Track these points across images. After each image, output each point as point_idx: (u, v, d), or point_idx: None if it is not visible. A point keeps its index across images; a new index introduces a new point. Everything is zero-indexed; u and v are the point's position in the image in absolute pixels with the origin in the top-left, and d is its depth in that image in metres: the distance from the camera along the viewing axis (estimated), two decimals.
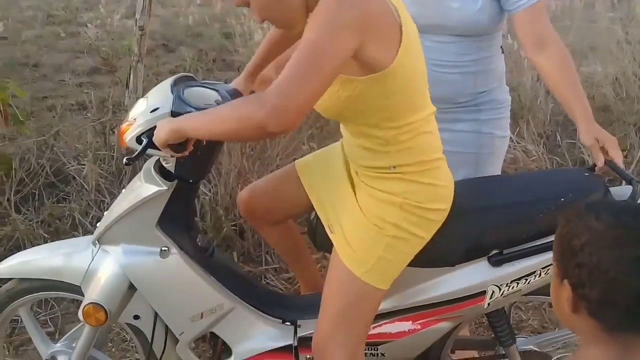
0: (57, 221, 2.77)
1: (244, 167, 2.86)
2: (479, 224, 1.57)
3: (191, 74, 1.74)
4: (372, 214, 1.50)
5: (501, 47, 1.99)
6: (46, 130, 3.32)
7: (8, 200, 2.79)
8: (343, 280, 1.51)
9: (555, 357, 1.00)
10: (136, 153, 1.51)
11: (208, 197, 2.77)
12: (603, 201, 1.32)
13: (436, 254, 1.57)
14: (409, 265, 1.55)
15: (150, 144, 1.49)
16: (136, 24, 2.93)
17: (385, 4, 1.32)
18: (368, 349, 1.66)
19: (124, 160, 1.50)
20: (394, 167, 1.47)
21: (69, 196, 2.93)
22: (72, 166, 2.99)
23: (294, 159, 3.07)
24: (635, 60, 4.17)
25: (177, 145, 1.46)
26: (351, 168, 1.61)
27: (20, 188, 2.91)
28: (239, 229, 2.74)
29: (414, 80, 1.43)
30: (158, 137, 1.44)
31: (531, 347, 1.77)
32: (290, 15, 1.36)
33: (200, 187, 2.76)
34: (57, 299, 2.47)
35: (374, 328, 1.64)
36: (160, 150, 1.48)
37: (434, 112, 1.53)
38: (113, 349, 2.30)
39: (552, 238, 1.49)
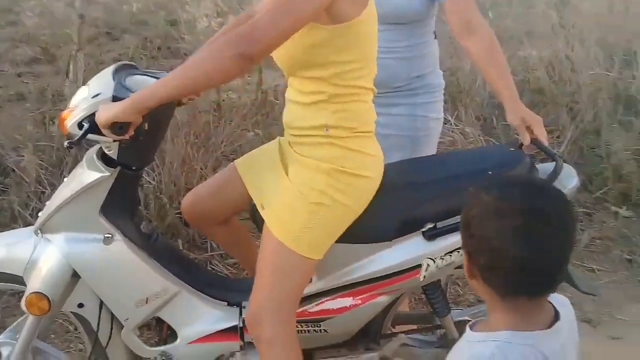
0: None
1: (189, 155, 2.87)
2: (411, 198, 1.65)
3: (133, 63, 1.75)
4: (299, 182, 1.57)
5: (434, 32, 2.07)
6: None
7: None
8: (273, 250, 1.56)
9: (470, 322, 1.08)
10: (78, 137, 1.52)
11: (152, 186, 2.78)
12: (500, 176, 1.42)
13: (371, 229, 1.64)
14: (347, 242, 1.62)
15: (92, 129, 1.51)
16: (76, 12, 2.88)
17: None
18: (311, 326, 1.72)
19: (65, 143, 1.52)
20: (327, 128, 1.54)
21: (8, 188, 2.87)
22: (10, 158, 2.93)
23: (239, 146, 3.12)
24: (568, 43, 4.34)
25: (118, 128, 1.47)
26: (285, 140, 1.67)
27: None
28: (183, 217, 2.75)
29: (370, 46, 1.55)
30: (100, 118, 1.47)
31: (466, 317, 1.86)
32: None
33: (144, 175, 2.76)
34: None
35: (316, 305, 1.71)
36: (101, 135, 1.50)
37: (374, 92, 1.61)
38: (56, 340, 2.29)
39: None
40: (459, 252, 1.64)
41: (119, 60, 1.60)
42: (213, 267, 2.67)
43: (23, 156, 2.92)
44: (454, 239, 1.63)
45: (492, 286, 0.99)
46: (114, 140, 1.54)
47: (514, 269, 0.96)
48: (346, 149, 1.55)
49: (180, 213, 2.76)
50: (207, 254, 2.72)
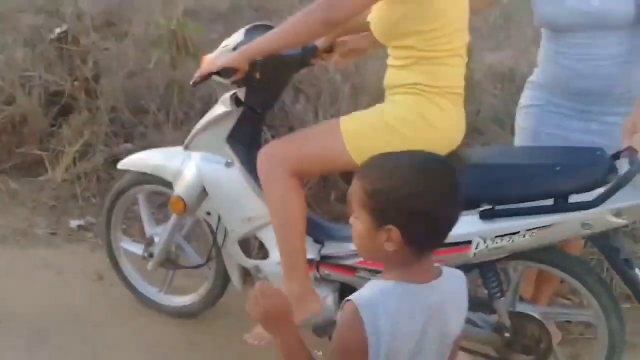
0: None
1: None
2: (475, 177, 1.71)
3: (271, 24, 2.07)
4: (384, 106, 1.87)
5: None
6: None
7: None
8: (329, 126, 1.91)
9: None
10: (198, 76, 1.90)
11: None
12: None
13: None
14: None
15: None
16: None
17: None
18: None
19: (191, 81, 1.91)
20: (418, 84, 1.75)
21: None
22: None
23: None
24: None
25: (225, 73, 1.83)
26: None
27: None
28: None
29: (449, 16, 1.72)
30: (214, 62, 1.85)
31: (529, 312, 1.85)
32: None
33: None
34: None
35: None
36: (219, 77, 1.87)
37: (462, 58, 1.79)
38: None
39: (541, 202, 1.62)
40: (510, 238, 1.68)
41: None
42: None
43: None
44: (508, 224, 1.68)
45: (411, 244, 1.09)
46: (232, 83, 1.90)
47: (435, 226, 1.10)
48: (429, 100, 1.75)
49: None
50: None
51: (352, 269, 1.95)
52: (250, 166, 2.06)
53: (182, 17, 3.61)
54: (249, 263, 2.13)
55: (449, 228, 1.11)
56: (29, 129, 3.50)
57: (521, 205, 1.68)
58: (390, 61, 1.83)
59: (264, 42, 1.76)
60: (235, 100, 2.05)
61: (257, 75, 1.88)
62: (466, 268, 1.79)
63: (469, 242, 1.72)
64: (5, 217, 3.14)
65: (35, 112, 3.53)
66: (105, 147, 3.39)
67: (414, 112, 1.76)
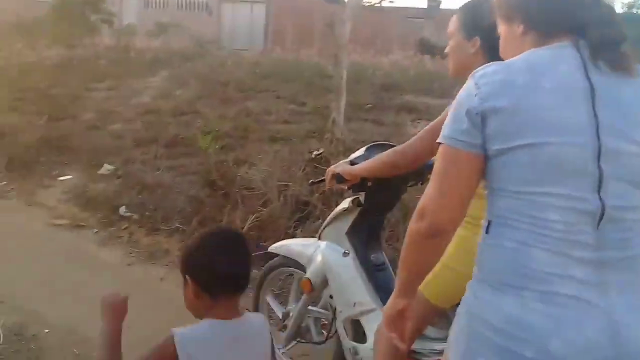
0: None
1: None
2: None
3: (391, 143, 2.39)
4: None
5: None
6: None
7: None
8: None
9: None
10: (318, 180, 2.32)
11: None
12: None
13: None
14: None
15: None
16: None
17: None
18: None
19: (309, 182, 2.33)
20: None
21: None
22: None
23: None
24: None
25: (338, 179, 2.23)
26: None
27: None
28: None
29: None
30: (332, 169, 2.25)
31: None
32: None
33: None
34: None
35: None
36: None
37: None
38: None
39: None
40: None
41: None
42: None
43: None
44: None
45: (205, 290, 1.52)
46: (347, 189, 2.27)
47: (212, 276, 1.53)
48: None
49: None
50: None
51: None
52: (362, 258, 2.35)
53: None
54: (349, 343, 2.35)
55: (228, 279, 1.52)
56: (274, 228, 4.27)
57: None
58: None
59: (364, 167, 2.15)
60: (358, 202, 2.39)
61: (369, 184, 2.24)
62: None
63: None
64: None
65: (282, 215, 4.31)
66: None
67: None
